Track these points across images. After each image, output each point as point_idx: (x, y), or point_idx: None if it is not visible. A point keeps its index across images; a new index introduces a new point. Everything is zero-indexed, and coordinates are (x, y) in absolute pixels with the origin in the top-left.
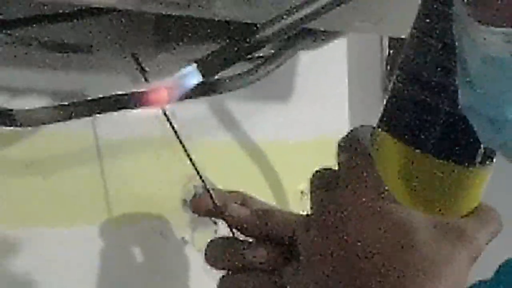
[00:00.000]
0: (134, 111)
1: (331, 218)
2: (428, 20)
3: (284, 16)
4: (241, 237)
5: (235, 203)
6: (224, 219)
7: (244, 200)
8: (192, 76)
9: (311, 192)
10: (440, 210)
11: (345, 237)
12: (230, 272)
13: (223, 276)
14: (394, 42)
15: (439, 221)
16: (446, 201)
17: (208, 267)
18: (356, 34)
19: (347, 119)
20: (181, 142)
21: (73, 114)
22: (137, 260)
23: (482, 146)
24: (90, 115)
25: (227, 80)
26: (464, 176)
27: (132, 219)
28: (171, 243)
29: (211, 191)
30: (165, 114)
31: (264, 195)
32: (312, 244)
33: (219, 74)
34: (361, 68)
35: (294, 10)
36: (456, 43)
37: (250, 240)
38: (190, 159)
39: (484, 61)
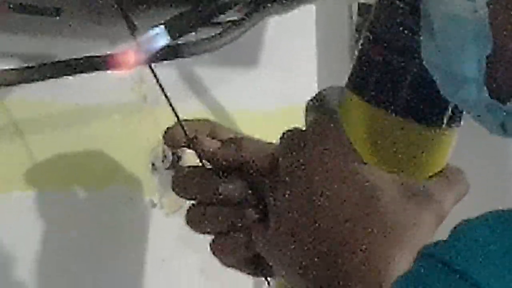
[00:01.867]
0: (103, 76)
1: (298, 178)
2: None
3: None
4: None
5: (206, 133)
6: (195, 151)
7: (213, 129)
8: (160, 38)
9: (280, 152)
10: (406, 171)
11: (312, 198)
12: (198, 203)
13: (191, 206)
14: (363, 9)
15: (406, 182)
16: (413, 161)
17: (179, 231)
18: (325, 1)
19: (316, 87)
20: (166, 96)
21: (41, 76)
22: (106, 223)
23: (449, 107)
24: (57, 77)
25: (195, 44)
26: (431, 137)
27: (101, 183)
28: (140, 206)
29: (183, 123)
30: (152, 70)
31: None
32: (280, 204)
33: (187, 38)
34: (330, 35)
35: None
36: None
37: (221, 171)
38: (175, 112)
39: (446, 17)
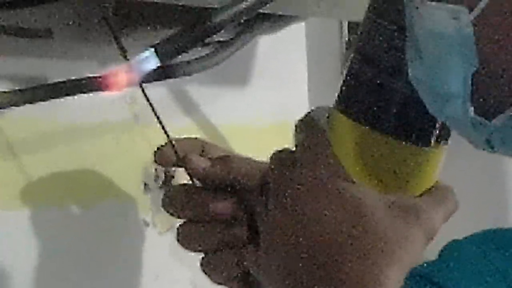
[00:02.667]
0: (96, 95)
1: (288, 198)
2: (382, 3)
3: (240, 1)
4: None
5: (196, 152)
6: (186, 170)
7: (204, 147)
8: (149, 61)
9: (269, 172)
10: (395, 189)
11: (302, 218)
12: (188, 221)
13: (181, 224)
14: (353, 26)
15: (395, 200)
16: (402, 180)
17: (172, 249)
18: (315, 19)
19: (307, 104)
20: (155, 114)
21: (33, 98)
22: (99, 241)
23: (436, 126)
24: (49, 99)
25: (185, 64)
26: (419, 156)
27: (94, 201)
28: (133, 225)
29: (173, 142)
30: (143, 91)
31: None
32: (271, 223)
33: (178, 58)
34: (320, 53)
35: None
36: (406, 16)
37: (211, 189)
38: (165, 132)
39: (431, 35)
